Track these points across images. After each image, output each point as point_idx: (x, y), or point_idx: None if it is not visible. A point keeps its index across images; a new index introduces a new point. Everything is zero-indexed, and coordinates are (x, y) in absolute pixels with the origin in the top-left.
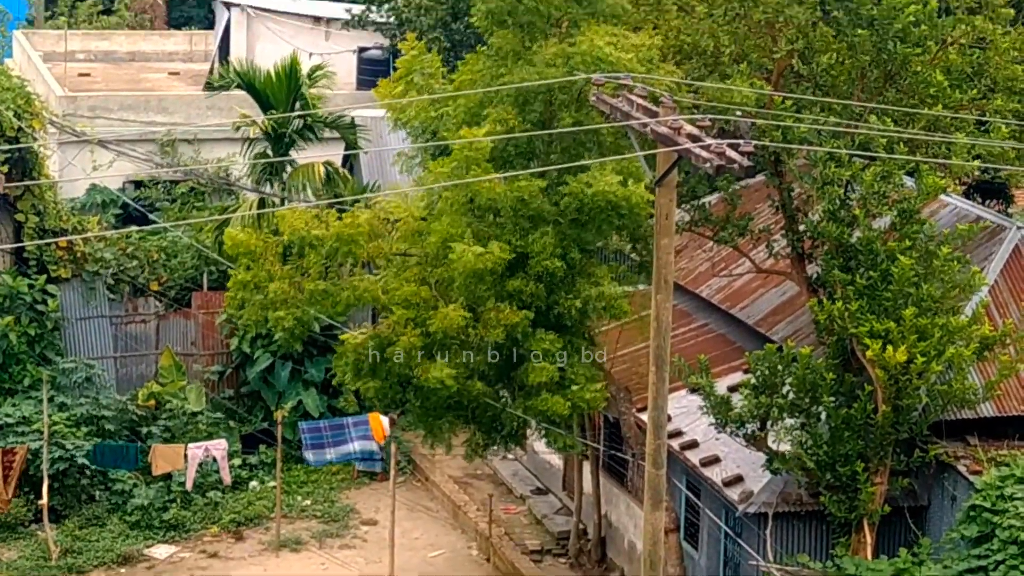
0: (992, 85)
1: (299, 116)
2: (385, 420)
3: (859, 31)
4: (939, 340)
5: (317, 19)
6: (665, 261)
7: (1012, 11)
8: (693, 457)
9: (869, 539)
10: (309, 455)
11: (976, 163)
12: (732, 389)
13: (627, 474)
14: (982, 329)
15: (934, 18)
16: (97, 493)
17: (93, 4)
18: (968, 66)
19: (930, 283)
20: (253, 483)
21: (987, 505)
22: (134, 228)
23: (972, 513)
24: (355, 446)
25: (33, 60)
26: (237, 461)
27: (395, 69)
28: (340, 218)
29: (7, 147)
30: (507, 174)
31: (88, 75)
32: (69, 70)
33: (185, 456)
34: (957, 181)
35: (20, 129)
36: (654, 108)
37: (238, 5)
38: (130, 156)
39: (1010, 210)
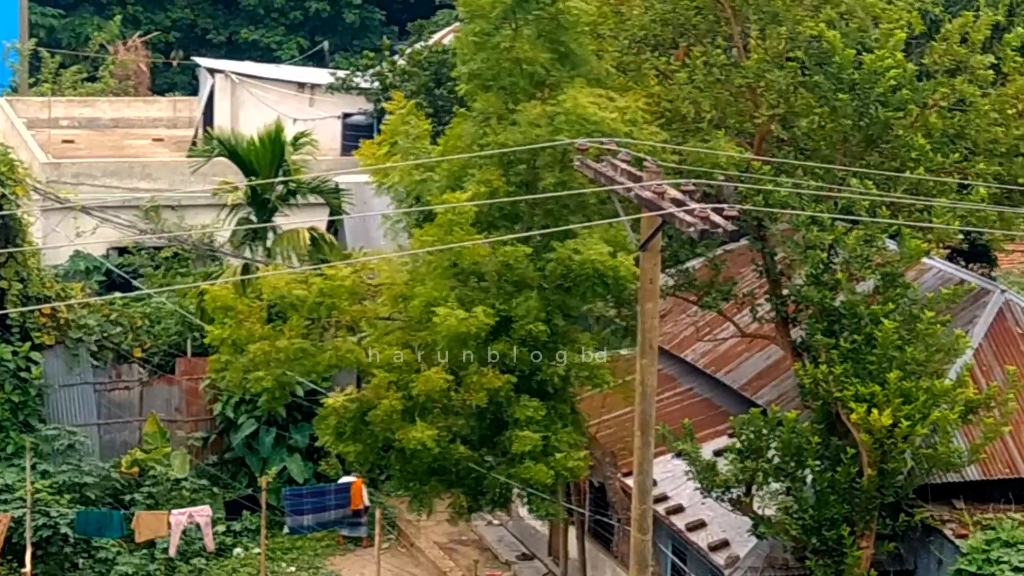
0: (973, 148)
1: (282, 182)
2: (359, 484)
3: (840, 95)
4: (924, 403)
5: (301, 85)
6: (650, 326)
7: (992, 73)
8: (679, 522)
9: None
10: (288, 521)
11: (957, 225)
12: (717, 454)
13: (613, 539)
14: (967, 392)
15: (914, 82)
16: (81, 561)
17: (77, 71)
18: (949, 129)
19: (914, 346)
20: (237, 550)
21: (973, 569)
22: (118, 295)
23: None
24: (332, 514)
25: (17, 127)
26: (221, 528)
27: (379, 133)
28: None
29: None
30: (492, 239)
31: (72, 142)
32: (53, 137)
33: (168, 523)
34: (940, 244)
35: (3, 196)
36: (638, 173)
37: (222, 72)
38: (114, 222)
39: (993, 273)
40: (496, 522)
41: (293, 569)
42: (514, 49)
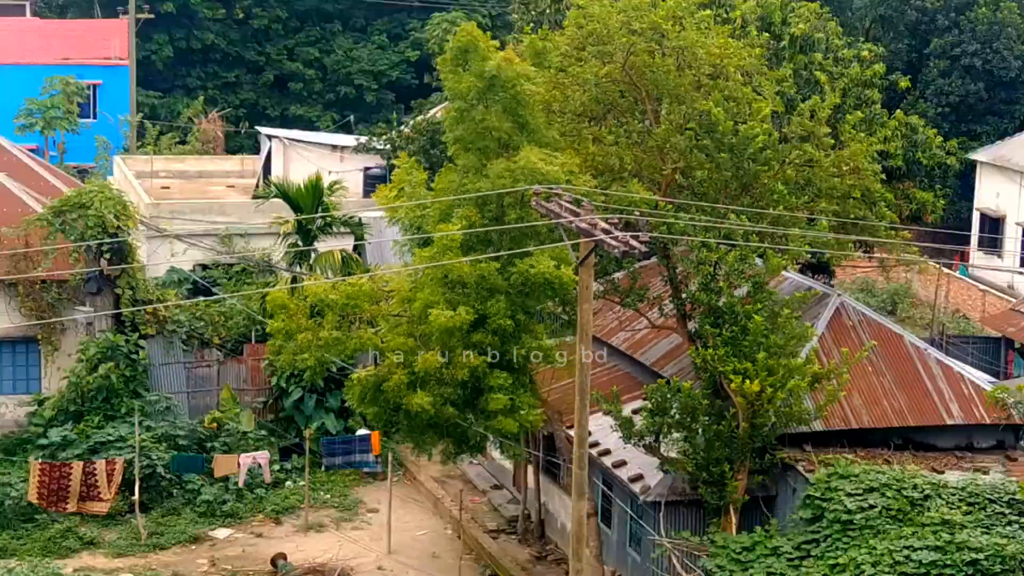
0: (818, 193)
1: (321, 217)
2: (376, 436)
3: (722, 155)
4: (783, 376)
5: (334, 147)
6: (586, 320)
7: (832, 140)
8: (607, 461)
9: (733, 520)
10: (325, 462)
11: (805, 248)
12: (635, 412)
13: (560, 474)
14: (813, 368)
15: (776, 144)
16: (174, 491)
17: (171, 137)
18: (801, 179)
19: (776, 335)
20: (288, 483)
21: (818, 495)
22: (201, 299)
23: (807, 501)
24: (357, 457)
25: (128, 177)
26: (276, 466)
27: (390, 182)
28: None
29: (109, 240)
30: (471, 258)
31: (168, 188)
32: (154, 184)
33: (238, 463)
34: (794, 262)
35: (118, 227)
36: (577, 210)
37: (277, 137)
38: (198, 246)
39: (832, 282)
40: (475, 462)
41: (329, 496)
42: (485, 121)
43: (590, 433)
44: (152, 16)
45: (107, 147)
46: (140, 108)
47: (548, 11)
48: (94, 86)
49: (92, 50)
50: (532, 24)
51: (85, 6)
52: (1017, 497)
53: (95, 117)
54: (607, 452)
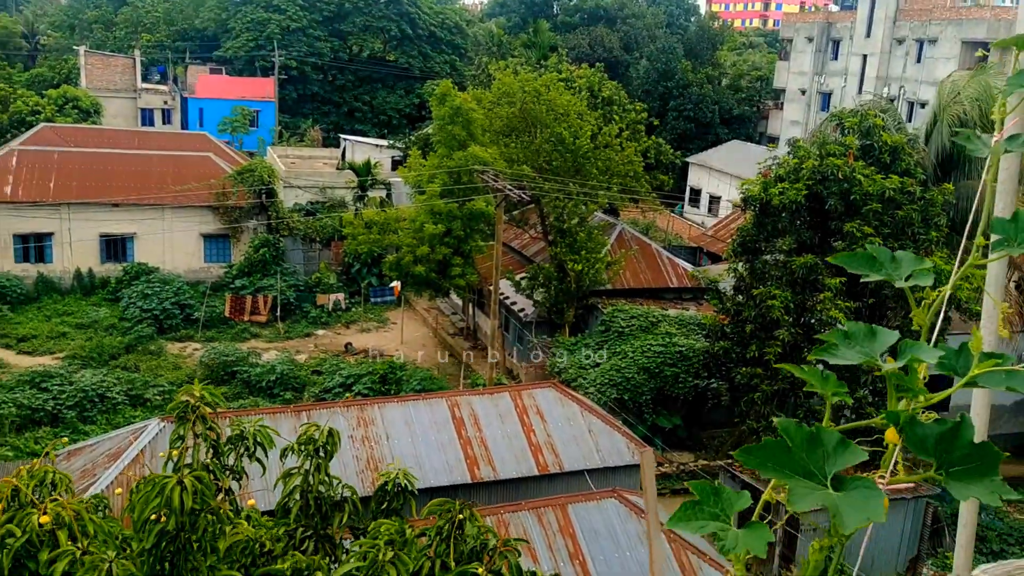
0: (613, 173)
1: (371, 180)
2: (398, 285)
3: (567, 154)
4: (592, 262)
5: (377, 145)
6: (498, 232)
7: (619, 148)
8: (507, 301)
9: (567, 331)
10: (371, 300)
11: (605, 201)
12: (521, 278)
13: (486, 306)
14: (608, 258)
15: (593, 149)
16: (296, 311)
17: (294, 139)
18: (604, 167)
19: (591, 242)
20: (352, 309)
21: (607, 319)
22: (310, 218)
23: (602, 321)
24: (387, 297)
25: (274, 157)
26: (347, 301)
27: (404, 163)
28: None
29: (264, 187)
30: (445, 200)
31: (294, 163)
32: (286, 162)
33: (328, 298)
34: (599, 208)
35: (269, 181)
36: (496, 178)
37: (348, 139)
38: (308, 192)
39: (618, 218)
40: (445, 301)
41: (372, 316)
42: (452, 131)
43: (501, 289)
44: (285, 77)
45: (263, 142)
46: (279, 123)
47: (484, 79)
48: (256, 112)
49: (256, 93)
50: (477, 85)
51: (250, 71)
52: (702, 322)
53: (257, 127)
54: (508, 297)
